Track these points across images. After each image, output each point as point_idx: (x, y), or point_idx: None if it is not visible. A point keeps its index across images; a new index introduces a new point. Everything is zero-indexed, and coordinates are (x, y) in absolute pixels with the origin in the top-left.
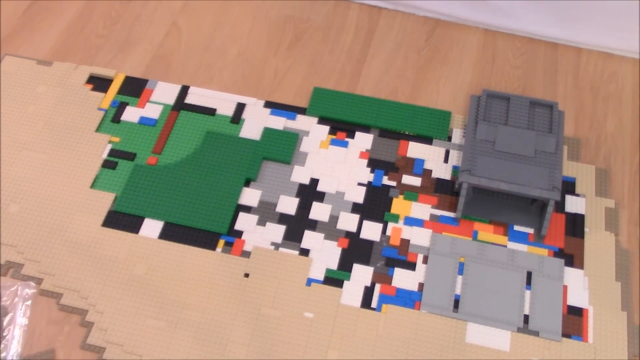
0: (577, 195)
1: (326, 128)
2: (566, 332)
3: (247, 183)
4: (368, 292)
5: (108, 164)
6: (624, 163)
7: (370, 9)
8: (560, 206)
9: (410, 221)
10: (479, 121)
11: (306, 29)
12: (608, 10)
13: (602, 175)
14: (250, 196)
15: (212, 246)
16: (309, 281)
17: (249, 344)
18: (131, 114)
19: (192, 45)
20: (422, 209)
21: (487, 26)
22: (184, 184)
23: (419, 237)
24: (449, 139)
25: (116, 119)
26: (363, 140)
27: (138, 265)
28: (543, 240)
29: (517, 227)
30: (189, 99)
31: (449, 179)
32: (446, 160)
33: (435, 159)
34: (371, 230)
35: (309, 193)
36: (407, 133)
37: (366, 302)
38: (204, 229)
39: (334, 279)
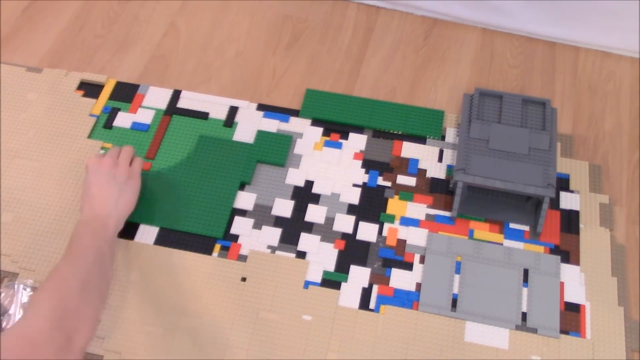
0: (572, 191)
1: (320, 130)
2: (564, 328)
3: (241, 187)
4: (366, 294)
5: None
6: (622, 162)
7: (368, 9)
8: (555, 203)
9: (406, 221)
10: (473, 120)
11: (304, 28)
12: (606, 9)
13: (595, 172)
14: (245, 200)
15: (208, 251)
16: (307, 284)
17: (247, 348)
18: (123, 120)
19: (190, 45)
20: (417, 209)
21: (485, 25)
22: (178, 189)
23: (415, 237)
24: (443, 138)
25: (108, 125)
26: (357, 141)
27: (134, 272)
28: (539, 237)
29: (512, 225)
30: (182, 103)
31: (444, 178)
32: (440, 159)
33: (429, 158)
34: (367, 231)
35: (304, 195)
36: (400, 133)
37: (364, 304)
38: (199, 234)
39: (331, 281)
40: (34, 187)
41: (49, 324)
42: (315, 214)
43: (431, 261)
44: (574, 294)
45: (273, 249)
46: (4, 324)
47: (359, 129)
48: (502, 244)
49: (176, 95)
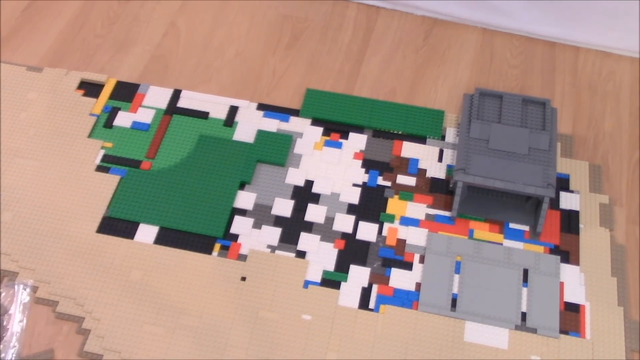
0: (572, 191)
1: (320, 129)
2: (564, 328)
3: (241, 186)
4: (365, 293)
5: (101, 170)
6: (622, 162)
7: (368, 9)
8: (555, 203)
9: (406, 221)
10: (473, 120)
11: (304, 28)
12: (606, 9)
13: (595, 172)
14: (245, 199)
15: (208, 250)
16: (306, 283)
17: (247, 347)
18: (123, 119)
19: (190, 45)
20: (417, 209)
21: (485, 25)
22: (178, 188)
23: (415, 236)
24: (443, 138)
25: (108, 124)
26: (357, 141)
27: (134, 271)
28: (538, 237)
29: (512, 225)
30: (182, 103)
31: (444, 178)
32: (440, 159)
33: (429, 158)
34: (367, 231)
35: (304, 195)
36: (400, 133)
37: (364, 303)
38: (199, 233)
39: (331, 281)
40: (34, 186)
41: None
42: (315, 213)
43: (431, 261)
44: (574, 294)
45: (273, 248)
46: (4, 324)
47: (359, 129)
48: (502, 244)
49: (176, 94)
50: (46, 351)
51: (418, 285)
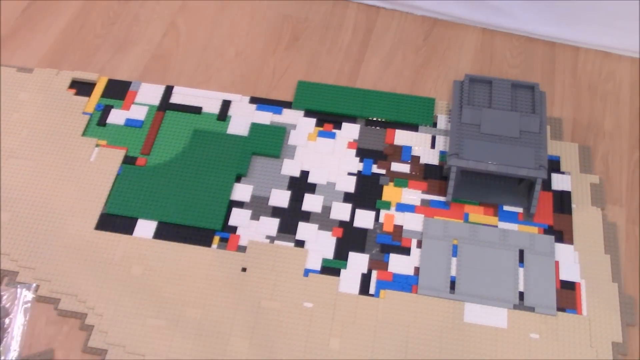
0: (563, 172)
1: (313, 120)
2: (561, 306)
3: (238, 179)
4: (365, 279)
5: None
6: (622, 162)
7: (368, 9)
8: (547, 184)
9: (402, 207)
10: (464, 105)
11: (304, 28)
12: (606, 9)
13: (585, 153)
14: (242, 191)
15: (207, 243)
16: (306, 272)
17: (251, 337)
18: (117, 117)
19: (190, 45)
20: (412, 195)
21: (485, 25)
22: (174, 183)
23: (412, 222)
24: (434, 125)
25: (102, 122)
26: (350, 131)
27: (134, 266)
28: (532, 218)
29: (506, 207)
30: (174, 99)
31: (437, 164)
32: (433, 145)
33: (422, 145)
34: (364, 218)
35: (301, 185)
36: (392, 121)
37: (364, 289)
38: (198, 227)
39: (331, 268)
40: (30, 186)
41: None
42: (312, 203)
43: (428, 245)
44: (569, 272)
45: (272, 238)
46: (4, 326)
47: (352, 119)
48: (496, 226)
49: (168, 91)
50: (46, 351)
51: (417, 269)
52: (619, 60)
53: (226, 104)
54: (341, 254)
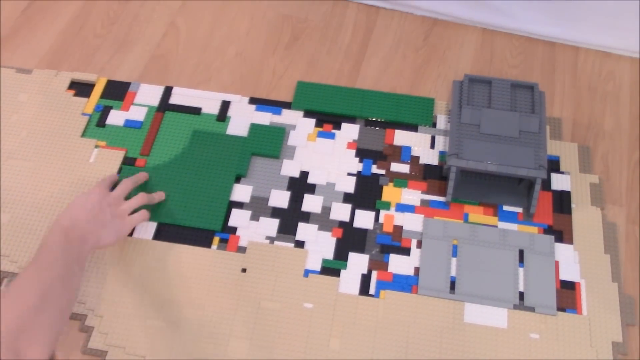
0: (562, 172)
1: (312, 121)
2: (561, 306)
3: (237, 179)
4: (365, 280)
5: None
6: (622, 162)
7: (368, 9)
8: (546, 184)
9: (402, 207)
10: (463, 105)
11: (304, 28)
12: (606, 9)
13: (585, 153)
14: (241, 192)
15: (207, 244)
16: (306, 272)
17: (250, 337)
18: (116, 118)
19: (190, 45)
20: (412, 195)
21: (485, 25)
22: (174, 184)
23: (412, 222)
24: (434, 125)
25: (101, 123)
26: (349, 131)
27: (134, 267)
28: (532, 218)
29: (506, 207)
30: (174, 100)
31: (437, 164)
32: (432, 146)
33: (421, 145)
34: (364, 219)
35: (300, 186)
36: (392, 121)
37: (364, 289)
38: (197, 227)
39: (331, 269)
40: (30, 187)
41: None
42: (311, 203)
43: (428, 245)
44: (569, 272)
45: (271, 239)
46: None
47: (351, 119)
48: (496, 226)
49: (168, 91)
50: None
51: (417, 269)
52: (619, 60)
53: (225, 105)
54: (341, 255)
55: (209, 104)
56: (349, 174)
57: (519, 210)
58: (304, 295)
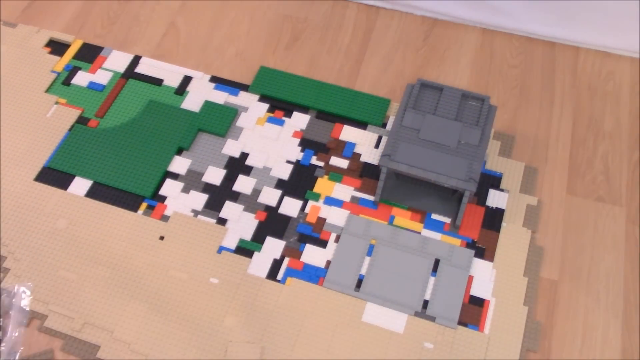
0: (502, 190)
1: (265, 106)
2: (464, 320)
3: (179, 152)
4: (276, 265)
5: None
6: (622, 162)
7: (368, 9)
8: (481, 199)
9: (330, 201)
10: (407, 109)
11: (304, 28)
12: (606, 9)
13: (531, 173)
14: (180, 164)
15: (134, 208)
16: (221, 249)
17: (151, 300)
18: (82, 79)
19: (190, 45)
20: (344, 190)
21: (485, 25)
22: (118, 148)
23: (336, 217)
24: (384, 125)
25: (67, 82)
26: (299, 120)
27: (60, 220)
28: (458, 230)
29: (434, 216)
30: (140, 69)
31: (377, 164)
32: (377, 146)
33: (366, 143)
34: (290, 206)
35: (237, 166)
36: (343, 116)
37: (272, 274)
38: (129, 191)
39: (245, 249)
40: None
41: None
42: (243, 184)
43: (345, 241)
44: (481, 288)
45: (196, 213)
46: (0, 323)
47: (305, 109)
48: (419, 233)
49: (136, 60)
50: (46, 351)
51: (329, 263)
52: (619, 60)
53: (187, 80)
54: (259, 237)
55: (172, 77)
56: (288, 162)
57: (447, 220)
58: (212, 270)
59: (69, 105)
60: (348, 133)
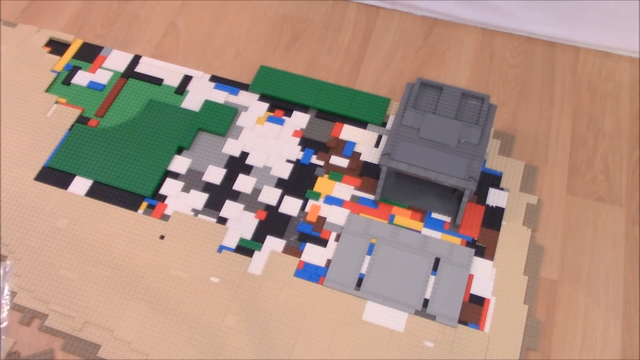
0: (502, 189)
1: (265, 105)
2: (464, 319)
3: (179, 151)
4: None
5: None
6: (622, 161)
7: (368, 9)
8: (481, 198)
9: (331, 200)
10: (407, 108)
11: (304, 28)
12: (606, 9)
13: (530, 172)
14: (180, 163)
15: (135, 207)
16: (221, 248)
17: (152, 300)
18: (82, 78)
19: (190, 44)
20: (344, 190)
21: (484, 25)
22: (118, 147)
23: (337, 216)
24: (384, 124)
25: (67, 81)
26: (299, 120)
27: (61, 219)
28: (458, 229)
29: (434, 215)
30: (139, 68)
31: (377, 163)
32: (377, 145)
33: (366, 142)
34: (290, 206)
35: (238, 165)
36: (343, 116)
37: None
38: (130, 191)
39: (246, 248)
40: None
41: None
42: (243, 183)
43: (345, 240)
44: (482, 287)
45: (197, 212)
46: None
47: (304, 108)
48: (420, 232)
49: (136, 60)
50: (46, 351)
51: (329, 262)
52: (619, 60)
53: (187, 79)
54: (259, 237)
55: (172, 76)
56: (288, 161)
57: (447, 219)
58: (212, 269)
59: (69, 104)
60: (348, 132)
